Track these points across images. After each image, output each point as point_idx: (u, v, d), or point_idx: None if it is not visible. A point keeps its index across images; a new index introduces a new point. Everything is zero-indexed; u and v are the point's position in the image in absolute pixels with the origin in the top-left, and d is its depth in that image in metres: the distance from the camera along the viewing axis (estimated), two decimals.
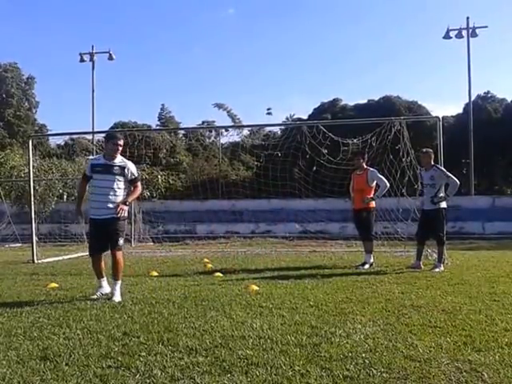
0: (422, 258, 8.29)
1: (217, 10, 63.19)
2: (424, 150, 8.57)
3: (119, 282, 5.84)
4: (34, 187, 13.38)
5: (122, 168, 5.86)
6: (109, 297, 5.75)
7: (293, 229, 18.31)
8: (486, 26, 25.93)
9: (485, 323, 4.25)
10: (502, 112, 30.93)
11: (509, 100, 31.91)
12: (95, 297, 5.75)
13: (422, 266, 8.11)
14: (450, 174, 8.16)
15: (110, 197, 5.77)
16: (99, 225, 5.80)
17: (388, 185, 8.61)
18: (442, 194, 8.03)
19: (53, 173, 20.14)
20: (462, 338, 3.77)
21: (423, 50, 60.85)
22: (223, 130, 24.66)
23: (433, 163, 8.25)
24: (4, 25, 56.07)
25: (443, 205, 8.09)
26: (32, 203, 11.03)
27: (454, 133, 27.18)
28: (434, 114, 28.26)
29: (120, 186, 5.82)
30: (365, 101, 33.11)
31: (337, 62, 60.08)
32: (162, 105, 39.66)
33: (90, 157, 6.21)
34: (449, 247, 9.39)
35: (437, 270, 7.83)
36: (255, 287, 6.17)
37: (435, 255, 8.61)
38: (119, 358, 3.40)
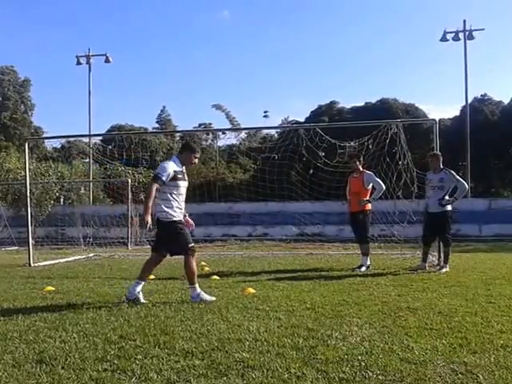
0: (427, 260, 8.33)
1: (212, 13, 63.30)
2: (432, 152, 8.62)
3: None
4: (31, 190, 13.37)
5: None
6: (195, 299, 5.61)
7: (290, 231, 18.32)
8: (482, 29, 26.04)
9: (481, 325, 4.25)
10: (499, 114, 31.07)
11: (505, 102, 32.07)
12: (144, 301, 5.55)
13: (428, 268, 8.16)
14: (460, 178, 8.24)
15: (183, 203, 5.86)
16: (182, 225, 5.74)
17: (384, 187, 8.62)
18: (447, 197, 8.06)
19: (49, 176, 20.12)
20: (457, 340, 3.77)
21: (420, 53, 61.24)
22: (220, 133, 24.68)
23: (441, 166, 8.28)
24: (0, 28, 56.02)
25: (449, 207, 8.13)
26: (28, 206, 11.01)
27: (450, 135, 27.27)
28: (430, 116, 28.39)
29: None
30: (362, 103, 33.28)
31: (334, 64, 60.38)
32: (164, 106, 39.79)
33: (167, 161, 5.96)
34: None
35: (443, 270, 7.95)
36: (252, 290, 6.17)
37: (431, 257, 8.65)
38: (115, 361, 3.40)
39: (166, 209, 5.60)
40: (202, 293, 5.69)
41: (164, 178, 5.55)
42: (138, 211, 17.74)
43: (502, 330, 4.07)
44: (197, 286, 5.70)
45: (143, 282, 5.80)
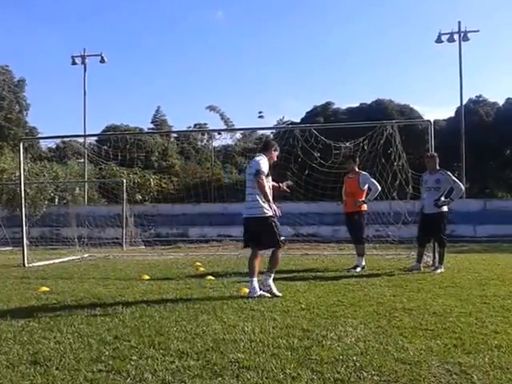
0: (422, 261, 8.34)
1: (206, 13, 63.29)
2: (429, 153, 8.64)
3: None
4: (25, 190, 13.30)
5: None
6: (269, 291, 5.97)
7: (285, 232, 18.24)
8: (477, 30, 26.08)
9: (475, 326, 4.27)
10: (494, 116, 31.16)
11: (500, 104, 32.18)
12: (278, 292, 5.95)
13: (422, 269, 8.17)
14: (456, 179, 8.26)
15: None
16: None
17: (379, 188, 8.63)
18: (443, 198, 8.08)
19: (44, 176, 20.04)
20: (452, 341, 3.78)
21: (415, 54, 61.21)
22: (215, 134, 24.66)
23: (438, 167, 8.30)
24: None
25: (445, 208, 8.15)
26: (23, 206, 10.96)
27: (445, 136, 27.30)
28: (425, 117, 28.29)
29: None
30: (357, 104, 33.32)
31: (329, 65, 60.35)
32: (158, 107, 39.74)
33: (259, 158, 6.11)
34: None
35: (438, 271, 7.96)
36: (247, 290, 6.16)
37: (426, 258, 8.67)
38: (110, 362, 3.39)
39: (261, 204, 5.95)
40: (274, 286, 6.01)
41: (266, 173, 5.94)
42: (132, 211, 17.71)
43: (497, 331, 4.09)
44: (272, 276, 6.04)
45: (255, 278, 6.04)
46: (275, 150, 6.32)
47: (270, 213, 5.98)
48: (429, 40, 34.09)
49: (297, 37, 62.36)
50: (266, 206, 5.95)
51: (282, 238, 6.12)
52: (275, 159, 6.35)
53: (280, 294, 5.89)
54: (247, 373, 3.14)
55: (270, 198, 5.96)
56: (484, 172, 30.35)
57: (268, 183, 6.07)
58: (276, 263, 6.18)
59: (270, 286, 5.98)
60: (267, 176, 6.04)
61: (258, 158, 6.10)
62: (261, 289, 6.00)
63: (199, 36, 62.14)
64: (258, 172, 5.88)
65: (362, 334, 4.05)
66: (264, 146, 6.47)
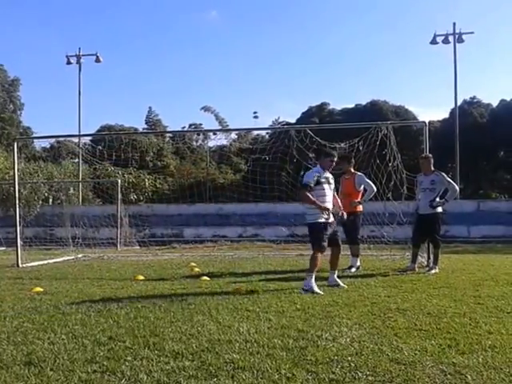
0: (416, 262, 8.35)
1: (201, 13, 63.24)
2: (424, 154, 8.67)
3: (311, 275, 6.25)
4: (19, 190, 13.24)
5: (332, 178, 6.59)
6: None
7: (280, 232, 18.30)
8: (472, 32, 26.15)
9: (469, 326, 4.29)
10: (488, 117, 31.32)
11: (494, 105, 32.34)
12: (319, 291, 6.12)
13: (417, 269, 8.19)
14: (451, 180, 8.28)
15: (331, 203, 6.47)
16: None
17: (375, 189, 8.65)
18: (438, 199, 8.10)
19: (38, 176, 19.96)
20: (446, 341, 3.80)
21: (410, 55, 61.49)
22: (211, 134, 24.63)
23: (433, 168, 8.32)
24: None
25: (439, 209, 8.18)
26: (17, 206, 10.92)
27: (440, 137, 27.44)
28: (420, 118, 28.59)
29: None
30: (352, 105, 33.44)
31: (325, 66, 60.53)
32: (150, 107, 39.62)
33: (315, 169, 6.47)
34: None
35: (432, 271, 7.97)
36: (242, 289, 6.17)
37: (420, 258, 8.69)
38: (104, 363, 3.38)
39: (312, 211, 6.30)
40: (315, 285, 6.17)
41: (312, 185, 6.23)
42: (127, 212, 17.66)
43: (490, 331, 4.11)
44: (313, 276, 6.22)
45: (313, 274, 6.27)
46: (326, 156, 6.52)
47: (320, 220, 6.26)
48: (424, 41, 34.29)
49: (292, 37, 62.57)
50: (317, 212, 6.24)
51: (325, 243, 6.36)
52: (331, 163, 6.52)
53: (320, 292, 6.06)
54: (242, 373, 3.14)
55: (328, 203, 6.34)
56: (478, 173, 30.51)
57: (325, 190, 6.33)
58: (311, 264, 6.33)
59: (309, 285, 6.14)
60: (321, 183, 6.29)
61: (309, 171, 6.45)
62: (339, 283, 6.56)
63: (194, 36, 62.27)
64: (302, 185, 6.27)
65: (356, 334, 4.05)
66: (314, 155, 6.76)
